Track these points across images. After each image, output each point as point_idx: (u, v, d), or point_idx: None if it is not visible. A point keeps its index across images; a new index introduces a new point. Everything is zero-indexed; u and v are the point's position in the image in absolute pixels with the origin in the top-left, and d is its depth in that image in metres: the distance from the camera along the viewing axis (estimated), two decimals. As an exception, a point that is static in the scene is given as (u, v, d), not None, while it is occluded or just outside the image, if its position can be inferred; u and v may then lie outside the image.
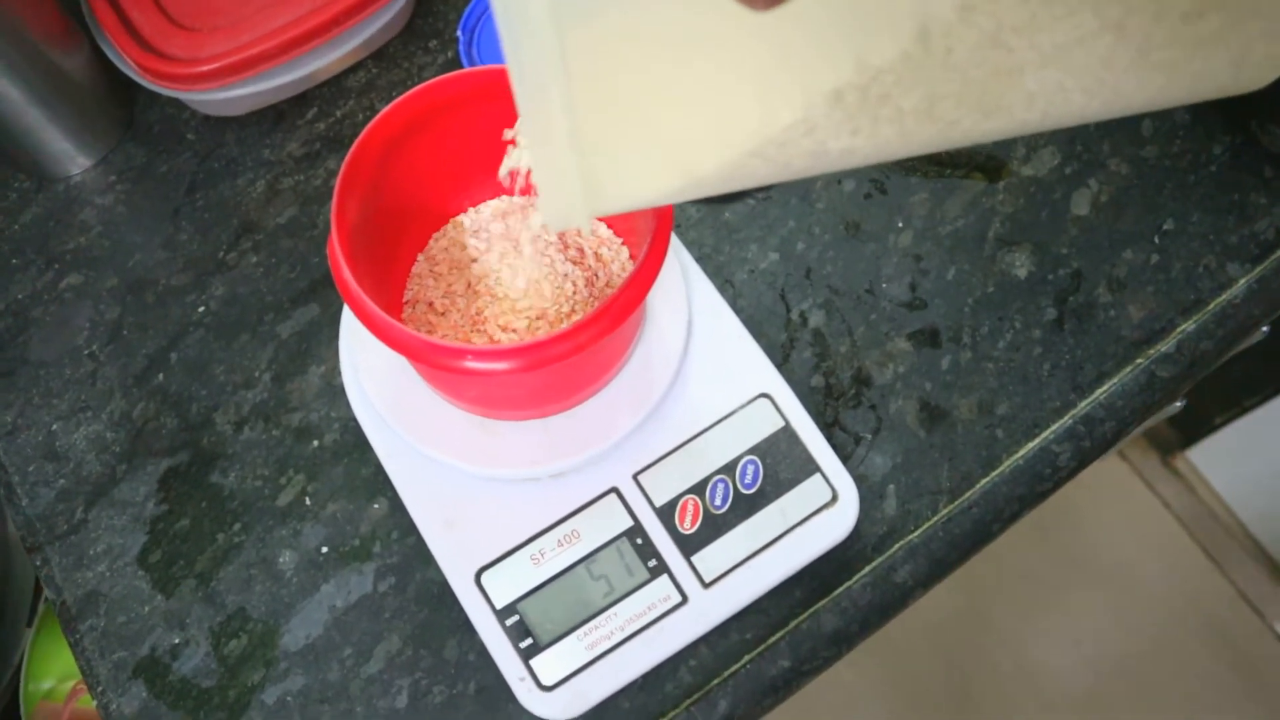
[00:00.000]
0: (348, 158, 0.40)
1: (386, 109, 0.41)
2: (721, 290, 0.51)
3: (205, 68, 0.54)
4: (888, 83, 0.28)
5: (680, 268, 0.50)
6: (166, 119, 0.61)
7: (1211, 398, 1.28)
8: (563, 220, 0.34)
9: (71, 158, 0.59)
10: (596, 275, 0.47)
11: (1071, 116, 0.30)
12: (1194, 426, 1.35)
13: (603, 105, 0.30)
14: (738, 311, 0.50)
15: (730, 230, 0.56)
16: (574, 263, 0.46)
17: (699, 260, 0.54)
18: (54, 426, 0.53)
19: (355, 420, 0.52)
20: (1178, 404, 0.71)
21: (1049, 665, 1.31)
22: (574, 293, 0.45)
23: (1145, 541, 1.38)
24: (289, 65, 0.56)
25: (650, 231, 0.40)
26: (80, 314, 0.56)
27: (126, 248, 0.57)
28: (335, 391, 0.53)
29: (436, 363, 0.38)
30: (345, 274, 0.39)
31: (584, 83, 0.30)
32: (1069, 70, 0.29)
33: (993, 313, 0.54)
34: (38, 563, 0.51)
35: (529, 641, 0.45)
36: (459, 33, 0.59)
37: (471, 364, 0.38)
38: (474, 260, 0.47)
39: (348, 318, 0.50)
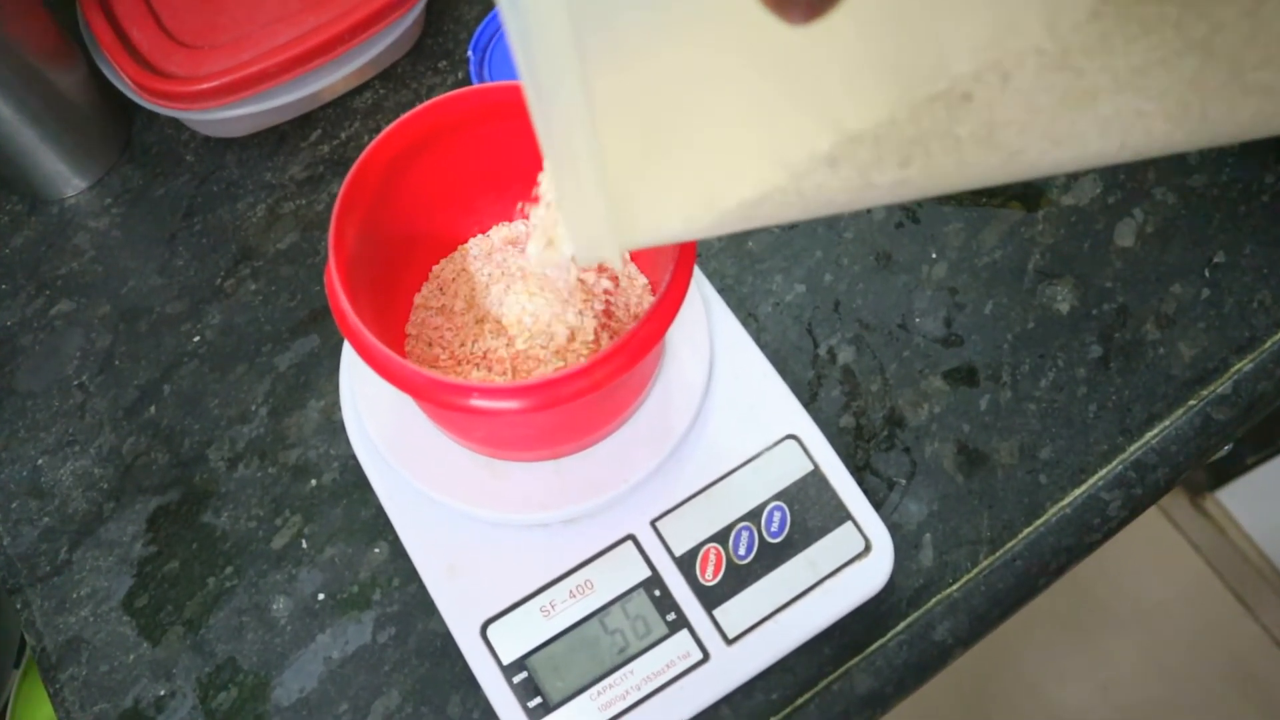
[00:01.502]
0: (348, 178, 0.38)
1: (391, 127, 0.39)
2: (745, 324, 0.48)
3: (204, 86, 0.51)
4: (939, 110, 0.25)
5: (702, 300, 0.47)
6: (165, 140, 0.59)
7: (1244, 437, 1.24)
8: (591, 253, 0.31)
9: (66, 179, 0.57)
10: (614, 309, 0.44)
11: (1155, 146, 0.27)
12: (1225, 467, 1.31)
13: (633, 135, 0.28)
14: (761, 346, 0.47)
15: (754, 260, 0.53)
16: (590, 295, 0.43)
17: (721, 292, 0.51)
18: (39, 461, 0.51)
19: (355, 459, 0.49)
20: (1225, 447, 0.67)
21: (1073, 707, 1.26)
22: (589, 327, 0.42)
23: (1173, 583, 1.34)
24: (292, 84, 0.53)
25: (672, 261, 0.37)
26: (70, 342, 0.53)
27: (120, 274, 0.55)
28: (335, 428, 0.50)
29: (440, 401, 0.35)
30: (343, 303, 0.36)
31: (611, 112, 0.27)
32: (1149, 95, 0.25)
33: (1034, 350, 0.51)
34: (18, 605, 0.48)
35: (538, 700, 0.41)
36: (470, 52, 0.56)
37: (478, 403, 0.35)
38: (482, 290, 0.44)
39: (349, 350, 0.47)
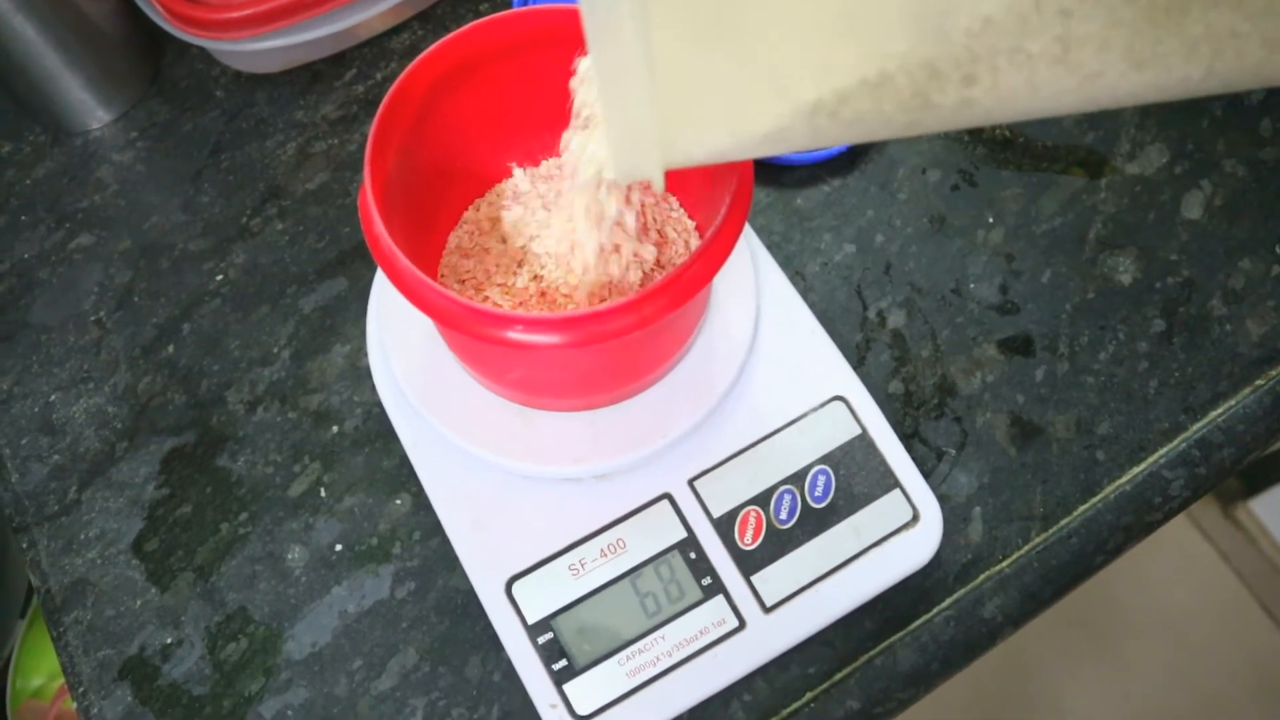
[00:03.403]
0: (387, 98, 0.35)
1: (435, 45, 0.37)
2: (792, 282, 0.45)
3: (236, 14, 0.49)
4: (1008, 21, 0.23)
5: (750, 254, 0.44)
6: (195, 74, 0.57)
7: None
8: (632, 170, 0.29)
9: (91, 110, 0.55)
10: (660, 254, 0.42)
11: (1245, 74, 0.24)
12: (1258, 475, 1.28)
13: (684, 36, 0.25)
14: (809, 307, 0.45)
15: (802, 218, 0.51)
16: (630, 236, 0.41)
17: (768, 248, 0.49)
18: (52, 397, 0.49)
19: (380, 406, 0.47)
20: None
21: (1093, 717, 1.23)
22: (634, 270, 0.40)
23: (1201, 594, 1.31)
24: (327, 17, 0.51)
25: (728, 196, 0.34)
26: (89, 277, 0.51)
27: (143, 209, 0.53)
28: (360, 374, 0.48)
29: (477, 332, 0.33)
30: (377, 227, 0.34)
31: (664, 10, 0.25)
32: (1248, 11, 0.23)
33: (1093, 321, 0.48)
34: (24, 544, 0.46)
35: (563, 663, 0.39)
36: (514, -6, 0.54)
37: (517, 335, 0.33)
38: (523, 229, 0.42)
39: (378, 292, 0.45)
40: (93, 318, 0.50)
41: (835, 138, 0.27)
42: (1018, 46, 0.24)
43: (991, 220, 0.50)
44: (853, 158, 0.52)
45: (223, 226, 0.52)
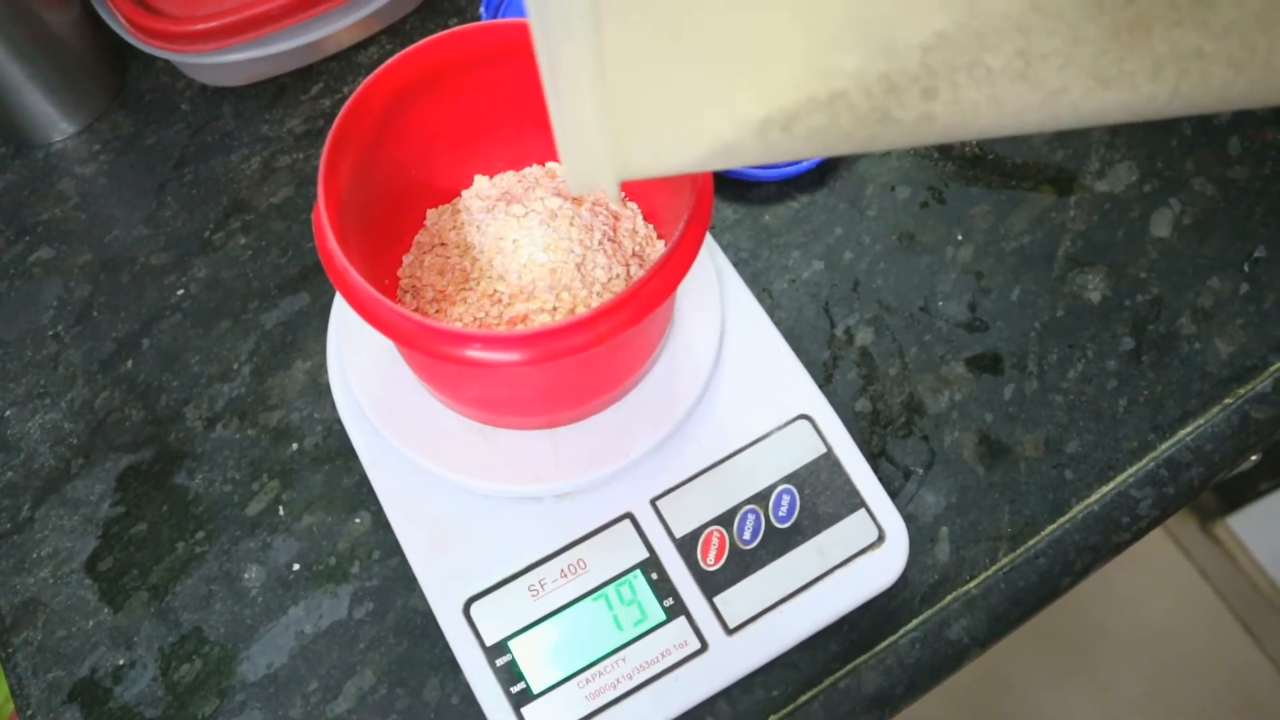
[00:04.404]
0: (344, 110, 0.35)
1: (393, 59, 0.36)
2: (759, 299, 0.45)
3: (201, 26, 0.49)
4: (963, 37, 0.23)
5: (715, 270, 0.44)
6: (160, 87, 0.56)
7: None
8: (586, 181, 0.29)
9: (54, 123, 0.54)
10: (628, 267, 0.41)
11: (1211, 96, 0.24)
12: (1237, 491, 1.28)
13: (636, 48, 0.25)
14: (775, 324, 0.44)
15: (770, 234, 0.50)
16: (595, 249, 0.41)
17: (735, 265, 0.49)
18: (6, 413, 0.48)
19: (340, 423, 0.46)
20: (1254, 457, 0.64)
21: (1074, 736, 1.23)
22: (595, 284, 0.40)
23: (1180, 611, 1.30)
24: (294, 30, 0.51)
25: (687, 210, 0.34)
26: (48, 291, 0.51)
27: (104, 222, 0.52)
28: (321, 390, 0.47)
29: (431, 350, 0.32)
30: (330, 242, 0.34)
31: (616, 22, 0.25)
32: (1212, 31, 0.23)
33: (1062, 339, 0.48)
34: (-25, 565, 0.45)
35: (520, 687, 0.39)
36: (482, 9, 0.54)
37: (473, 353, 0.32)
38: (481, 242, 0.41)
39: (338, 308, 0.44)
40: (50, 332, 0.50)
41: (792, 152, 0.27)
42: (976, 61, 0.23)
43: (960, 238, 0.50)
44: (822, 174, 0.52)
45: (185, 240, 0.51)
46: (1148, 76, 0.23)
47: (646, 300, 0.33)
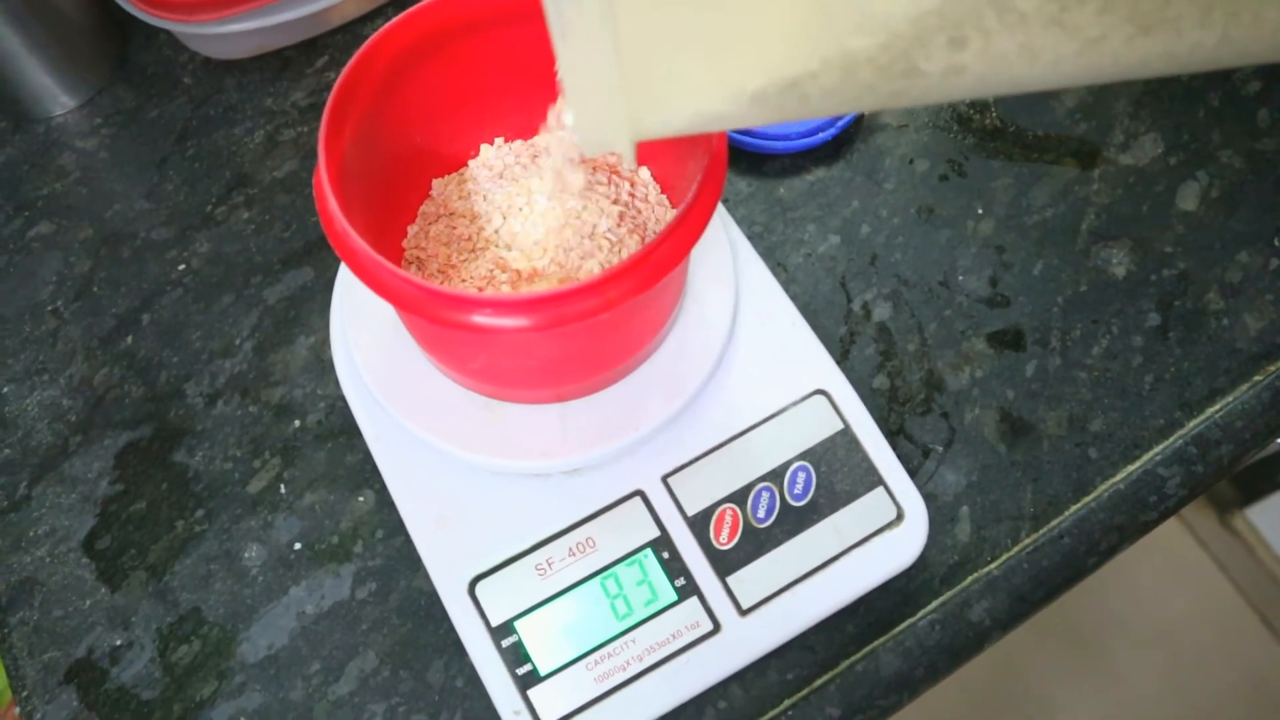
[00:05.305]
0: (347, 69, 0.34)
1: (399, 18, 0.35)
2: (774, 273, 0.44)
3: (203, -6, 0.48)
4: None
5: (729, 243, 0.43)
6: (163, 61, 0.55)
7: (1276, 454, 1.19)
8: (601, 141, 0.28)
9: (54, 96, 0.53)
10: (639, 235, 0.40)
11: (1263, 43, 0.22)
12: (1255, 483, 1.26)
13: (649, 4, 0.24)
14: (791, 298, 0.43)
15: (785, 208, 0.49)
16: (605, 216, 0.39)
17: (749, 239, 0.47)
18: (4, 389, 0.47)
19: (344, 400, 0.45)
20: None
21: (1088, 729, 1.21)
22: (604, 251, 0.38)
23: (1197, 605, 1.29)
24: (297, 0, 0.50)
25: (700, 173, 0.33)
26: (47, 266, 0.50)
27: (105, 197, 0.51)
28: (324, 366, 0.46)
29: (434, 315, 0.31)
30: (331, 204, 0.32)
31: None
32: None
33: (1086, 315, 0.46)
34: (-29, 543, 0.44)
35: (527, 668, 0.37)
36: (490, -21, 0.52)
37: (481, 318, 0.31)
38: (487, 211, 0.40)
39: (342, 281, 0.43)
40: (50, 308, 0.49)
41: (812, 109, 0.25)
42: (1007, 5, 0.22)
43: (981, 211, 0.49)
44: (837, 147, 0.50)
45: (187, 215, 0.50)
46: (1194, 21, 0.22)
47: (658, 265, 0.32)
